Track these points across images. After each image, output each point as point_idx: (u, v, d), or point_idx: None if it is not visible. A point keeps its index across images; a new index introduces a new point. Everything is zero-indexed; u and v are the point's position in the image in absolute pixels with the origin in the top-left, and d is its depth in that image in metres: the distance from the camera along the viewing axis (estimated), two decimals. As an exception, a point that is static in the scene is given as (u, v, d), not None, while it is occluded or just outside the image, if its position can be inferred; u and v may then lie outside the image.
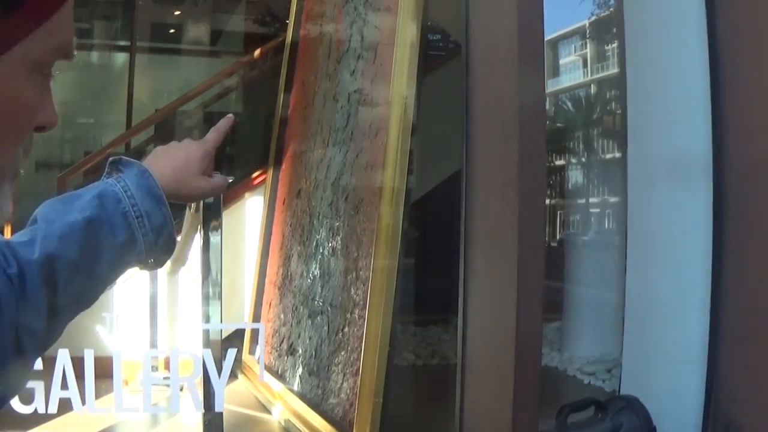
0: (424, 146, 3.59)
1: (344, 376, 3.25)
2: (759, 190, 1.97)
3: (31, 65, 0.67)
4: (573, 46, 6.65)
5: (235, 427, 3.61)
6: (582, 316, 4.61)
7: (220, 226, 3.05)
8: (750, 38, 2.01)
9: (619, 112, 3.80)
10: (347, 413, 3.13)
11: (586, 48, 6.44)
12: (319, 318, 3.69)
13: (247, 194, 5.07)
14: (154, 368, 3.63)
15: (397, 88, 3.06)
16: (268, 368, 4.12)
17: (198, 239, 3.15)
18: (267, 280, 4.61)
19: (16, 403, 2.72)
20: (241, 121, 6.35)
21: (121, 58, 7.87)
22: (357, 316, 3.21)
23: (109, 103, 7.74)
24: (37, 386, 2.68)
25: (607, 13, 5.29)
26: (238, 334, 4.56)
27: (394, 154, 3.01)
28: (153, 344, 4.21)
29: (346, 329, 3.33)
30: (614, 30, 4.57)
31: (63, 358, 2.67)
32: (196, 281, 3.26)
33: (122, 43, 7.90)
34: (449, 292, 2.92)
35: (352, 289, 3.32)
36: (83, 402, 2.76)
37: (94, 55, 8.00)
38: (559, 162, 5.84)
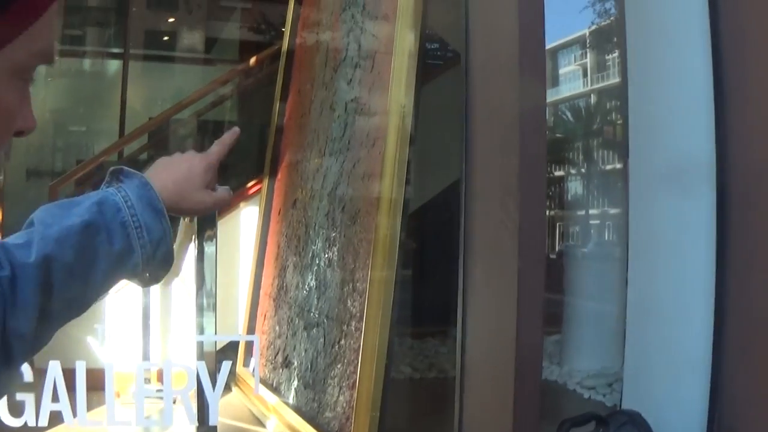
0: (422, 156, 3.57)
1: (340, 389, 3.22)
2: (763, 200, 1.94)
3: (13, 70, 0.66)
4: (573, 55, 6.65)
5: (229, 441, 3.58)
6: (582, 329, 4.58)
7: (214, 236, 3.03)
8: (754, 47, 1.99)
9: (619, 122, 3.79)
10: (343, 427, 3.10)
11: (586, 57, 6.44)
12: (315, 330, 3.65)
13: (242, 204, 5.04)
14: (147, 380, 3.60)
15: (395, 97, 3.04)
16: (263, 381, 4.07)
17: (192, 249, 3.13)
18: (262, 292, 4.57)
19: (5, 416, 2.68)
20: (236, 129, 6.31)
21: (114, 65, 7.84)
22: (354, 329, 3.17)
23: (101, 110, 7.70)
24: (27, 398, 2.65)
25: (608, 22, 5.29)
26: (233, 346, 4.53)
27: (392, 163, 2.99)
28: (146, 356, 4.17)
29: (342, 341, 3.29)
30: (615, 39, 4.56)
31: (54, 369, 2.64)
32: (190, 292, 3.23)
33: (115, 50, 7.86)
34: (447, 305, 2.90)
35: (349, 301, 3.28)
36: (74, 415, 2.74)
37: (87, 63, 7.97)
38: (559, 173, 5.83)
